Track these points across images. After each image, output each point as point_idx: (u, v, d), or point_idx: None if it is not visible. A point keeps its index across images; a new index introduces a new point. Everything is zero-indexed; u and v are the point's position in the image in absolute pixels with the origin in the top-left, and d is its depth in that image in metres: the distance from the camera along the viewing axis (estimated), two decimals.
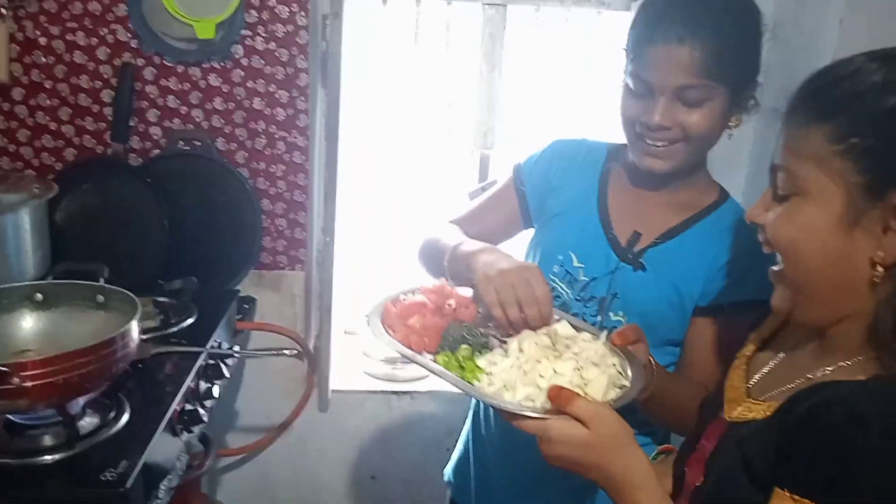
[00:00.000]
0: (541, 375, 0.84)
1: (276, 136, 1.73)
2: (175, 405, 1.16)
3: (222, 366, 1.40)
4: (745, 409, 0.77)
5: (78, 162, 1.69)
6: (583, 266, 1.12)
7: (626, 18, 1.05)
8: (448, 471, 1.36)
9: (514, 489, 1.20)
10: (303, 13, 1.65)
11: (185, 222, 1.67)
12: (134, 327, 1.05)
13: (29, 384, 0.92)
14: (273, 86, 1.69)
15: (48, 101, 1.66)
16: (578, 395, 0.79)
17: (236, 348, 1.50)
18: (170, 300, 1.46)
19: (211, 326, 1.43)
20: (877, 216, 0.67)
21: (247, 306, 1.73)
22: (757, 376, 0.83)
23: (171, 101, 1.69)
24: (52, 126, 1.68)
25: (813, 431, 0.64)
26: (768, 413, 0.72)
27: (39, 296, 1.14)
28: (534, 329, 0.94)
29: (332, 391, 1.88)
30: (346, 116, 1.64)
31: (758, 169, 1.64)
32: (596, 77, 1.84)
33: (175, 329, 1.38)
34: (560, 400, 0.78)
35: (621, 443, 0.77)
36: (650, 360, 0.97)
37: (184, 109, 1.69)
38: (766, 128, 1.55)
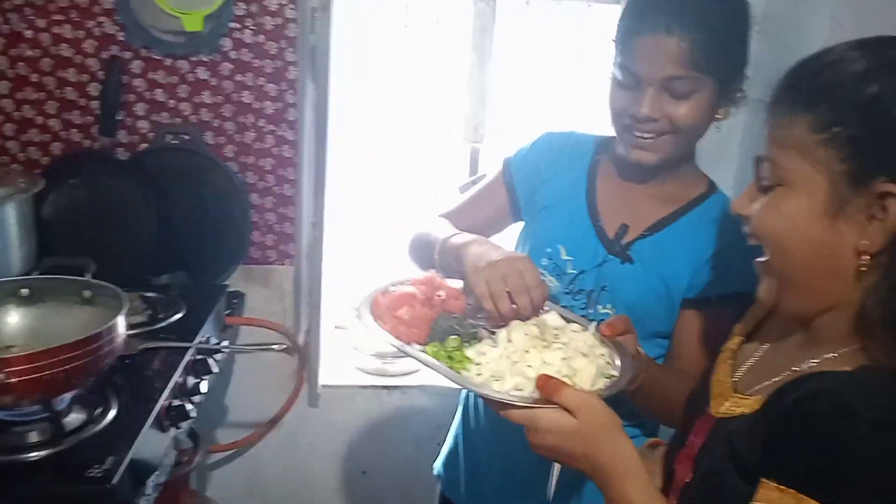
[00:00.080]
0: (529, 365, 0.84)
1: (265, 130, 1.72)
2: (163, 401, 1.15)
3: (211, 361, 1.39)
4: (733, 405, 0.77)
5: (65, 156, 1.67)
6: (571, 259, 1.12)
7: (615, 11, 1.05)
8: (438, 465, 1.36)
9: (504, 482, 1.20)
10: (291, 6, 1.64)
11: (173, 217, 1.66)
12: (121, 322, 1.04)
13: (14, 380, 0.92)
14: (262, 79, 1.68)
15: (35, 95, 1.64)
16: (566, 384, 0.79)
17: (225, 343, 1.50)
18: (158, 295, 1.45)
19: (199, 321, 1.42)
20: (861, 205, 0.67)
21: (236, 301, 1.72)
22: (743, 369, 0.83)
23: (159, 95, 1.67)
24: (39, 120, 1.66)
25: (799, 422, 0.64)
26: (756, 407, 0.72)
27: (25, 291, 1.13)
28: (525, 320, 0.93)
29: (323, 386, 1.87)
30: (335, 110, 1.63)
31: (747, 162, 1.64)
32: (586, 69, 1.84)
33: (163, 324, 1.38)
34: (548, 389, 0.78)
35: (609, 432, 0.77)
36: (639, 351, 0.98)
37: (172, 103, 1.68)
38: (754, 120, 1.53)
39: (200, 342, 1.37)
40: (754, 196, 0.75)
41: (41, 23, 1.60)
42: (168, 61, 1.65)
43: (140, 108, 1.67)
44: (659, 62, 0.97)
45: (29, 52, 1.61)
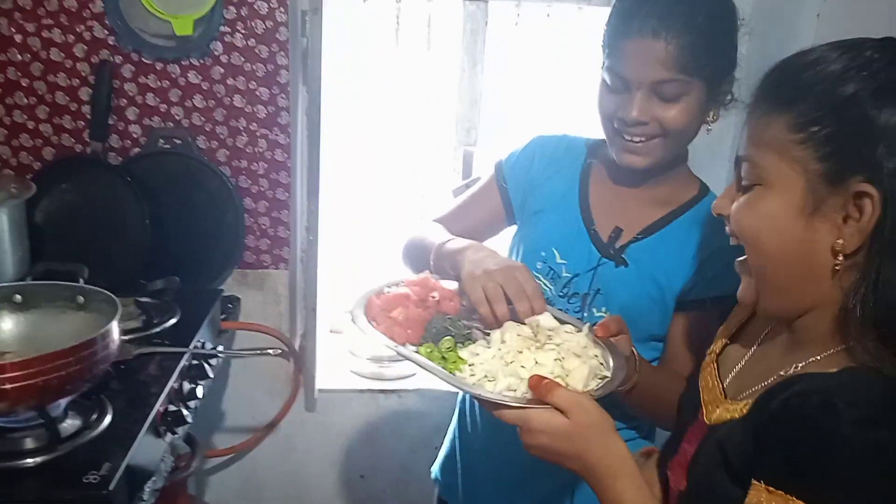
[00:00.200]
0: (522, 366, 0.85)
1: (258, 134, 1.72)
2: (158, 406, 1.15)
3: (206, 366, 1.39)
4: (724, 411, 0.77)
5: (56, 161, 1.66)
6: (565, 262, 1.12)
7: (606, 14, 1.05)
8: (435, 469, 1.36)
9: (500, 486, 1.20)
10: (282, 9, 1.64)
11: (166, 221, 1.66)
12: (114, 328, 1.04)
13: (8, 386, 0.91)
14: (253, 83, 1.68)
15: (25, 100, 1.64)
16: (559, 384, 0.79)
17: (220, 348, 1.49)
18: (152, 300, 1.44)
19: (194, 326, 1.42)
20: (836, 204, 0.68)
21: (231, 306, 1.72)
22: (731, 375, 0.83)
23: (151, 99, 1.67)
24: (30, 125, 1.65)
25: (786, 423, 0.65)
26: (744, 412, 0.72)
27: (18, 297, 1.13)
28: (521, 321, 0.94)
29: (319, 390, 1.87)
30: (327, 114, 1.63)
31: None
32: (577, 72, 1.84)
33: (158, 329, 1.37)
34: (540, 389, 0.78)
35: (601, 432, 0.77)
36: (633, 352, 0.98)
37: (163, 107, 1.68)
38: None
39: (196, 347, 1.37)
40: (734, 196, 0.76)
41: (31, 27, 1.59)
42: (159, 65, 1.65)
43: (131, 113, 1.67)
44: (647, 65, 0.97)
45: (19, 57, 1.61)
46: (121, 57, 1.63)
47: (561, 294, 1.12)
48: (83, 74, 1.63)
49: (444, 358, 0.90)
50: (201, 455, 1.67)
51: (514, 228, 1.25)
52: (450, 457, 1.32)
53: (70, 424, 1.05)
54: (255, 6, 1.63)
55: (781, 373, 0.74)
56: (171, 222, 1.67)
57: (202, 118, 1.69)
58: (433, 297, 0.98)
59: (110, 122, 1.66)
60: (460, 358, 0.90)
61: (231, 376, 1.88)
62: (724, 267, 1.05)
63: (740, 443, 0.70)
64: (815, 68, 0.69)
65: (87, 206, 1.61)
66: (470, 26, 1.81)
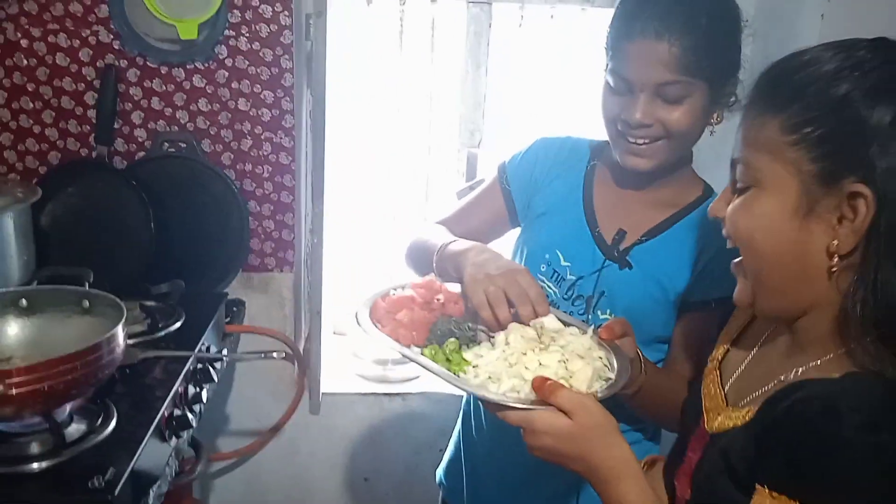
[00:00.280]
0: (526, 367, 0.84)
1: (262, 137, 1.72)
2: (164, 410, 1.15)
3: (211, 369, 1.39)
4: (725, 419, 0.77)
5: (62, 165, 1.67)
6: (569, 265, 1.12)
7: (610, 15, 1.05)
8: (440, 472, 1.36)
9: (505, 490, 1.20)
10: (286, 13, 1.64)
11: (171, 225, 1.66)
12: (120, 332, 1.04)
13: (14, 391, 0.91)
14: (258, 86, 1.68)
15: (31, 104, 1.64)
16: (562, 386, 0.79)
17: (225, 352, 1.49)
18: (157, 304, 1.44)
19: (199, 330, 1.42)
20: (831, 205, 0.67)
21: (235, 309, 1.72)
22: (732, 380, 0.83)
23: (156, 103, 1.67)
24: (36, 129, 1.66)
25: (789, 426, 0.65)
26: (747, 419, 0.72)
27: (24, 301, 1.13)
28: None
29: (323, 393, 1.87)
30: (332, 116, 1.63)
31: None
32: (581, 74, 1.84)
33: (162, 333, 1.37)
34: (544, 391, 0.78)
35: (605, 433, 0.77)
36: (638, 354, 0.98)
37: (168, 111, 1.68)
38: None
39: (200, 351, 1.37)
40: (730, 199, 0.76)
41: (36, 32, 1.60)
42: (164, 69, 1.65)
43: (136, 117, 1.68)
44: (650, 67, 0.97)
45: (25, 62, 1.61)
46: (126, 61, 1.64)
47: (565, 297, 1.12)
48: (88, 79, 1.64)
49: (448, 360, 0.90)
50: (206, 459, 1.67)
51: (517, 231, 1.24)
52: (454, 460, 1.31)
53: (75, 429, 1.05)
54: (260, 10, 1.64)
55: (782, 377, 0.73)
56: (175, 226, 1.67)
57: (207, 122, 1.70)
58: (438, 300, 0.98)
59: (115, 126, 1.66)
60: (464, 360, 0.90)
61: (235, 379, 1.88)
62: (727, 268, 1.05)
63: (743, 449, 0.69)
64: (807, 69, 0.69)
65: (92, 209, 1.62)
66: (473, 28, 1.81)
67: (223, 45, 1.65)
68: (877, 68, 0.66)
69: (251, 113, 1.70)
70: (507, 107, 1.91)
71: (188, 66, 1.66)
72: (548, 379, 0.79)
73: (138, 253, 1.61)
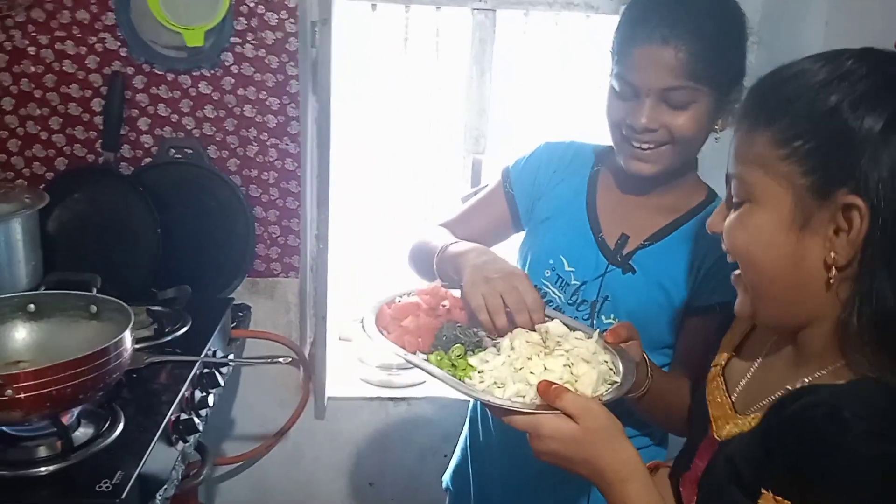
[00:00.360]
0: (531, 372, 0.84)
1: (268, 144, 1.73)
2: (170, 414, 1.15)
3: (217, 374, 1.39)
4: (733, 426, 0.77)
5: (69, 171, 1.68)
6: (573, 270, 1.12)
7: (613, 22, 1.06)
8: (446, 478, 1.36)
9: (512, 495, 1.20)
10: (292, 20, 1.65)
11: (177, 231, 1.67)
12: (127, 337, 1.05)
13: (22, 395, 0.92)
14: (264, 93, 1.69)
15: (38, 111, 1.65)
16: (567, 389, 0.79)
17: (231, 357, 1.50)
18: (163, 309, 1.45)
19: (205, 335, 1.43)
20: (826, 218, 0.67)
21: (241, 314, 1.73)
22: (738, 388, 0.82)
23: (162, 110, 1.68)
24: (43, 135, 1.67)
25: (794, 432, 0.65)
26: (754, 425, 0.72)
27: (32, 306, 1.14)
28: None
29: (329, 398, 1.87)
30: (337, 123, 1.64)
31: None
32: (585, 81, 1.85)
33: (169, 338, 1.38)
34: (549, 395, 0.78)
35: (610, 436, 0.77)
36: (644, 358, 0.98)
37: (174, 117, 1.69)
38: None
39: (207, 355, 1.38)
40: (727, 213, 0.76)
41: (44, 39, 1.61)
42: (170, 76, 1.66)
43: (143, 123, 1.69)
44: (656, 73, 0.97)
45: (32, 69, 1.63)
46: (132, 68, 1.65)
47: (570, 302, 1.12)
48: (95, 85, 1.65)
49: (453, 365, 0.90)
50: (211, 463, 1.67)
51: (521, 235, 1.25)
52: (461, 465, 1.31)
53: (83, 433, 1.06)
54: (265, 17, 1.65)
55: (789, 387, 0.73)
56: (182, 232, 1.68)
57: (213, 128, 1.71)
58: (443, 306, 0.98)
59: (122, 132, 1.67)
60: (470, 365, 0.90)
61: (241, 384, 1.89)
62: (730, 272, 1.05)
63: (750, 454, 0.69)
64: (795, 82, 0.69)
65: (99, 215, 1.63)
66: (478, 35, 1.81)
67: (229, 52, 1.66)
68: (864, 78, 0.66)
69: (257, 119, 1.71)
70: (512, 113, 1.91)
71: (194, 73, 1.67)
72: (553, 383, 0.79)
73: (145, 258, 1.61)
